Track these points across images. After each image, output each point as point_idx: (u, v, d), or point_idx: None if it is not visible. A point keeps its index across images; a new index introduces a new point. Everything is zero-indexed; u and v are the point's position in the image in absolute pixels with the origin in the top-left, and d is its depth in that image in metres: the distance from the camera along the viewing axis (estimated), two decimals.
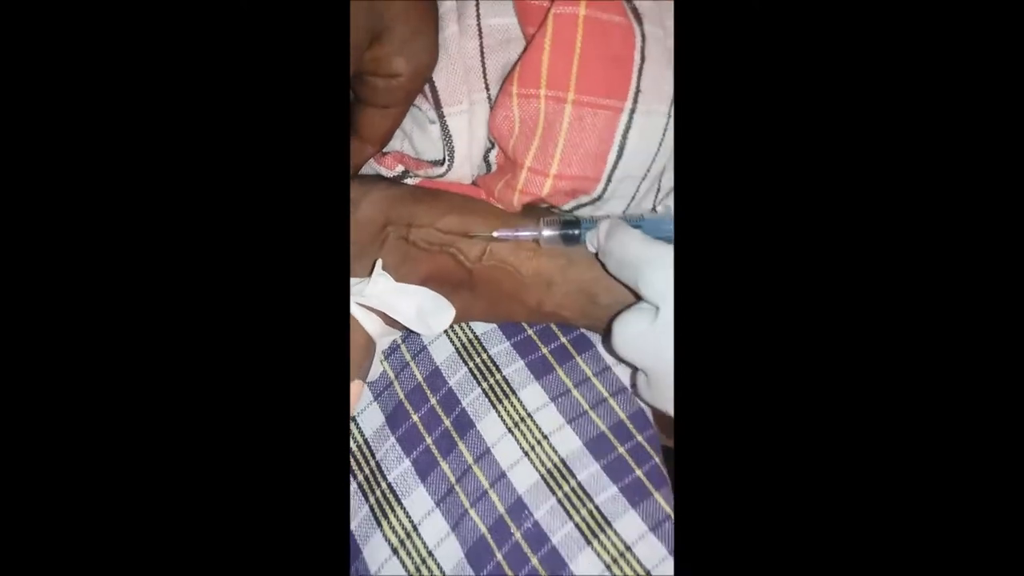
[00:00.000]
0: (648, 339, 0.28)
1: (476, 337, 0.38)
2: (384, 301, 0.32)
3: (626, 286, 0.30)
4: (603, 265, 0.31)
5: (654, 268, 0.27)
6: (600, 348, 0.39)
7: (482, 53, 0.30)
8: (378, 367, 0.37)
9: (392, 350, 0.38)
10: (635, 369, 0.33)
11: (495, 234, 0.32)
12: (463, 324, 0.39)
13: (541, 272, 0.34)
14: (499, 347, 0.38)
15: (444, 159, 0.32)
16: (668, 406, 0.31)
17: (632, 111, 0.29)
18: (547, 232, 0.32)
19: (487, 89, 0.31)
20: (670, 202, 0.34)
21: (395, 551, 0.32)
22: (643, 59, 0.28)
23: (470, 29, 0.29)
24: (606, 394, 0.37)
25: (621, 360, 0.32)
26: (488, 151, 0.33)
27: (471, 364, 0.37)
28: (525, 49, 0.29)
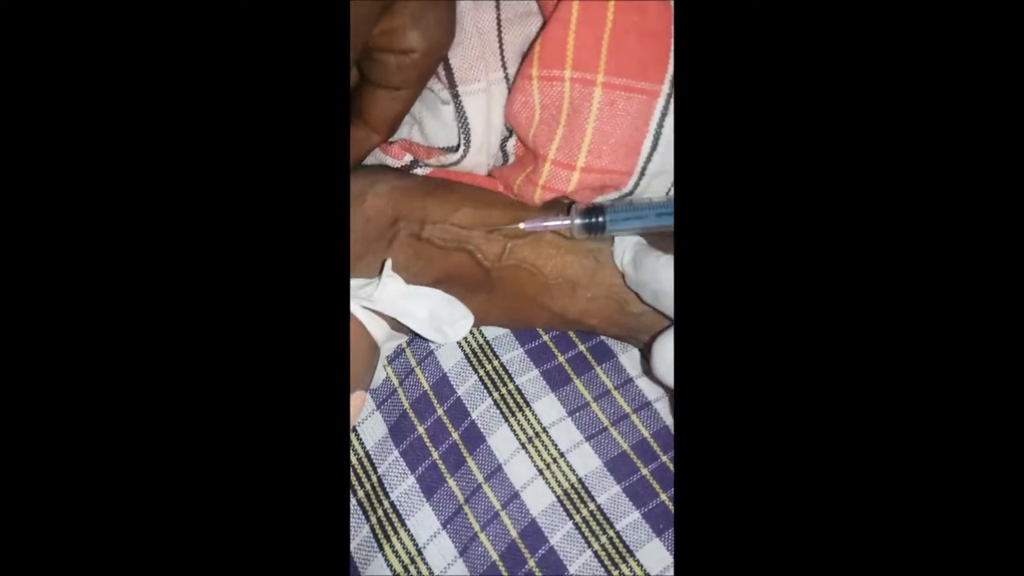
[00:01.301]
0: None
1: (487, 342, 0.35)
2: (394, 306, 0.29)
3: (664, 315, 0.27)
4: (637, 295, 0.28)
5: None
6: (622, 359, 0.36)
7: (499, 26, 0.27)
8: (381, 372, 0.34)
9: (396, 354, 0.35)
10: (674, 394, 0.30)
11: (523, 226, 0.29)
12: (474, 328, 0.36)
13: (566, 274, 0.31)
14: (511, 354, 0.35)
15: (459, 144, 0.29)
16: None
17: (670, 96, 0.25)
18: (580, 220, 0.28)
19: (504, 68, 0.28)
20: None
21: None
22: None
23: (485, 3, 0.26)
24: (628, 410, 0.34)
25: (662, 385, 0.30)
26: (505, 139, 0.30)
27: (481, 372, 0.34)
28: (546, 23, 0.25)
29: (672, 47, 0.25)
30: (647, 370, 0.34)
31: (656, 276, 0.26)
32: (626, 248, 0.28)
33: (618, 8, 0.24)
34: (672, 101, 0.26)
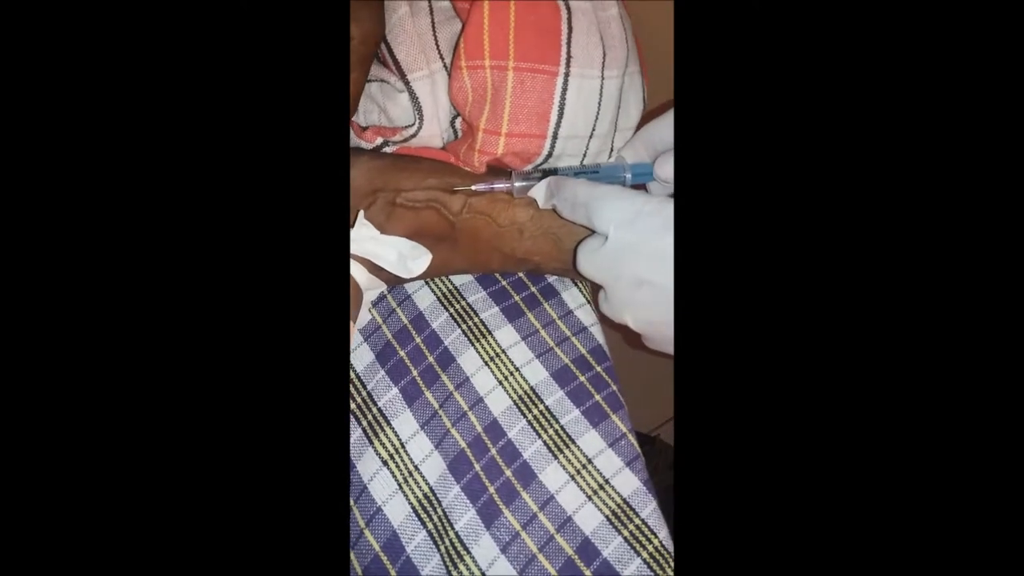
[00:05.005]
0: (602, 258, 0.33)
1: (455, 288, 0.43)
2: (366, 248, 0.37)
3: (582, 225, 0.35)
4: (558, 214, 0.36)
5: (601, 203, 0.32)
6: (564, 296, 0.44)
7: (433, 28, 0.35)
8: (367, 315, 0.42)
9: (379, 299, 0.43)
10: (598, 288, 0.38)
11: (474, 187, 0.37)
12: (443, 277, 0.44)
13: (514, 220, 0.39)
14: (476, 296, 0.43)
15: (415, 120, 0.37)
16: (622, 317, 0.35)
17: (567, 74, 0.34)
18: (519, 183, 0.37)
19: (442, 59, 0.36)
20: (623, 154, 0.39)
21: (385, 463, 0.38)
22: (570, 29, 0.33)
23: (422, 9, 0.35)
24: (569, 333, 0.42)
25: (584, 278, 0.37)
26: (454, 118, 0.38)
27: (451, 310, 0.42)
28: (465, 26, 0.34)
29: (563, 38, 0.33)
30: (575, 271, 0.41)
31: (573, 193, 0.34)
32: (548, 181, 0.36)
33: (518, 9, 0.32)
34: (569, 79, 0.34)
